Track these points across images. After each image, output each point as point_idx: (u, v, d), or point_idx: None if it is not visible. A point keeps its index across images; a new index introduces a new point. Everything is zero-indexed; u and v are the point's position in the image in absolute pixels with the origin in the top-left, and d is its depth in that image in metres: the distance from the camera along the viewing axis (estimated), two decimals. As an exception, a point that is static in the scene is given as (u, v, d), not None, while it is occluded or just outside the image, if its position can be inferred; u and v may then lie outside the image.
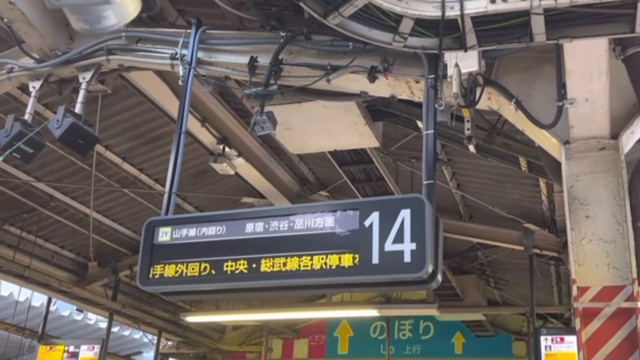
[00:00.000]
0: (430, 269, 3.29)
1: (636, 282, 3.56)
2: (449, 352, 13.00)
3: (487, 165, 6.97)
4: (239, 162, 7.01)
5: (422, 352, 13.15)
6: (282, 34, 4.45)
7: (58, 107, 4.74)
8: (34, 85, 5.03)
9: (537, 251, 8.35)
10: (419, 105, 4.61)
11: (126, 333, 14.48)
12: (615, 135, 3.85)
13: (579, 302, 3.60)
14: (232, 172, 7.07)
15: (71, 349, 10.12)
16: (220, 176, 7.70)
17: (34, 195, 8.20)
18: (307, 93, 4.65)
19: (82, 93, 4.90)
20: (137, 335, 14.50)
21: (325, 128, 5.40)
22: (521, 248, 8.35)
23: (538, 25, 3.22)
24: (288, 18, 4.54)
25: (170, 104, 6.05)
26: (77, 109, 4.81)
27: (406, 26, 3.51)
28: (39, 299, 11.36)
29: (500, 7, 3.17)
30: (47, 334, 10.74)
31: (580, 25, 3.23)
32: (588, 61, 3.45)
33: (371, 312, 11.23)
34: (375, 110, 5.42)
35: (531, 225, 8.05)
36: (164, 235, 3.90)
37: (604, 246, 3.65)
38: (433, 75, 3.89)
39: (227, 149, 6.81)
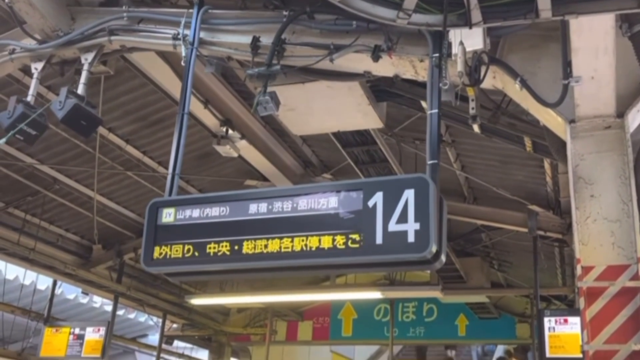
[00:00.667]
0: (434, 249, 3.29)
1: (641, 261, 3.54)
2: (452, 334, 13.04)
3: (491, 147, 6.94)
4: (242, 144, 6.99)
5: (426, 334, 13.20)
6: (284, 13, 4.41)
7: (60, 89, 4.73)
8: (36, 67, 5.01)
9: (541, 233, 8.34)
10: (423, 85, 4.58)
11: (131, 316, 14.57)
12: (621, 113, 3.82)
13: (583, 282, 3.60)
14: (236, 155, 7.05)
15: (77, 331, 10.20)
16: (223, 159, 7.69)
17: (38, 178, 8.20)
18: (310, 73, 4.63)
19: (84, 74, 4.88)
20: (142, 318, 14.58)
21: (328, 109, 5.37)
22: (525, 230, 8.33)
23: (544, 1, 3.18)
24: (291, -3, 4.51)
25: (173, 85, 6.02)
26: (80, 90, 4.80)
27: (410, 2, 3.48)
28: (44, 282, 11.41)
29: (505, -18, 3.14)
30: (53, 317, 10.81)
31: (586, 1, 3.19)
32: (594, 38, 3.41)
33: (375, 295, 11.26)
34: (379, 90, 5.39)
35: (535, 206, 8.03)
36: (168, 216, 3.91)
37: (609, 225, 3.64)
38: (437, 54, 3.85)
39: (230, 131, 6.79)
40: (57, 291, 11.29)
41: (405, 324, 13.33)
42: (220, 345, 14.15)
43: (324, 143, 7.67)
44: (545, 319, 8.43)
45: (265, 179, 8.18)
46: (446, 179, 7.89)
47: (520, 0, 3.26)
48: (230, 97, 6.68)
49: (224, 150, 6.88)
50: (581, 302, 3.60)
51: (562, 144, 4.04)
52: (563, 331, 8.33)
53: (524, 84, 3.87)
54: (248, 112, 6.85)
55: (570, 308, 10.55)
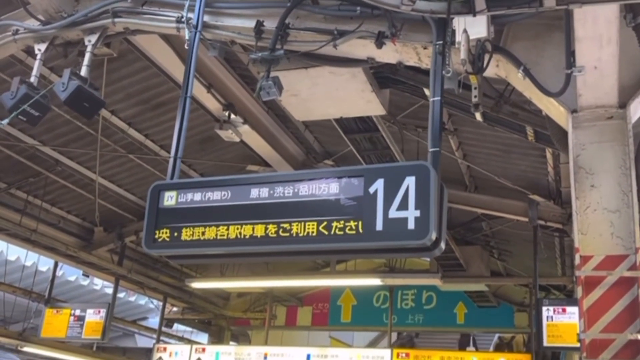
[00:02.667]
0: (433, 236, 3.30)
1: (639, 251, 3.56)
2: (451, 322, 13.11)
3: (493, 136, 6.94)
4: (245, 129, 6.99)
5: (425, 321, 13.27)
6: (289, -3, 4.40)
7: (64, 70, 4.73)
8: (40, 48, 5.02)
9: (542, 223, 8.36)
10: (426, 72, 4.57)
11: (132, 299, 14.67)
12: (623, 104, 3.81)
13: (581, 271, 3.61)
14: (238, 139, 7.06)
15: (77, 312, 10.28)
16: (225, 143, 7.70)
17: (40, 159, 8.23)
18: (313, 58, 4.62)
19: (87, 56, 4.89)
20: (143, 301, 14.69)
21: (331, 95, 5.37)
22: (526, 219, 8.35)
23: (548, -11, 3.18)
24: (296, -18, 4.48)
25: (176, 69, 6.02)
26: (83, 72, 4.81)
27: (415, -11, 3.47)
28: (45, 263, 11.49)
29: (510, -30, 3.13)
30: (54, 298, 10.89)
31: (591, -10, 3.18)
32: (598, 28, 3.39)
33: (374, 281, 11.31)
34: (382, 77, 5.38)
35: (536, 196, 8.04)
36: (170, 199, 3.93)
37: (609, 215, 3.65)
38: (441, 41, 3.85)
39: (232, 116, 6.78)
40: (58, 273, 11.37)
41: (404, 311, 13.40)
42: (220, 329, 14.25)
43: (326, 129, 7.67)
44: (544, 308, 8.48)
45: (267, 165, 8.19)
46: (448, 167, 7.90)
47: (525, -12, 3.25)
48: (233, 81, 6.68)
49: (226, 134, 6.88)
50: (579, 291, 3.62)
51: (564, 134, 4.04)
52: (561, 320, 8.39)
53: (527, 73, 3.87)
54: (251, 96, 6.86)
55: (568, 298, 10.59)
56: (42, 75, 5.41)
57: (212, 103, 6.63)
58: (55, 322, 10.35)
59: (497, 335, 14.96)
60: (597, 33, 3.43)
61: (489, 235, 10.59)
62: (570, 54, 3.60)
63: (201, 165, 8.97)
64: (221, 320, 14.05)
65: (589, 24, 3.38)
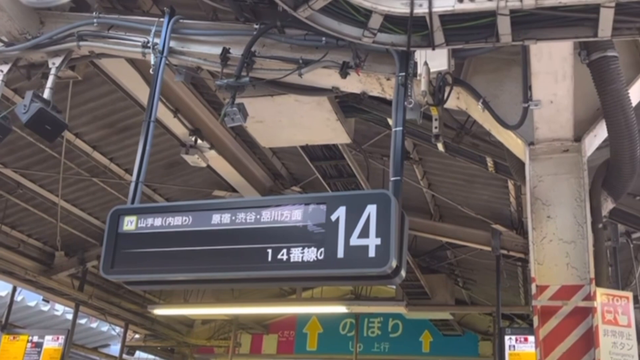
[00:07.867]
0: (394, 264, 3.33)
1: (593, 282, 3.64)
2: (416, 350, 13.12)
3: (457, 166, 7.04)
4: (211, 154, 6.98)
5: (390, 349, 13.25)
6: (255, 26, 4.45)
7: (26, 92, 4.68)
8: (2, 69, 4.96)
9: (505, 252, 8.46)
10: (390, 103, 4.64)
11: (94, 325, 14.34)
12: (578, 138, 3.94)
13: (537, 300, 3.68)
14: (204, 165, 7.04)
15: (35, 339, 10.00)
16: (192, 168, 7.66)
17: (1, 182, 8.07)
18: (279, 86, 4.67)
19: (51, 78, 4.85)
20: (105, 327, 14.37)
21: (297, 122, 5.41)
22: (489, 248, 8.45)
23: (504, 25, 3.28)
24: (262, 11, 4.55)
25: (143, 93, 5.99)
26: (46, 94, 4.76)
27: (375, 22, 3.54)
28: (4, 288, 11.19)
29: (467, 6, 3.23)
30: (12, 324, 10.59)
31: (545, 28, 3.29)
32: (553, 64, 3.52)
33: (340, 309, 11.28)
34: (347, 106, 5.45)
35: (499, 226, 8.15)
36: (129, 224, 3.89)
37: (564, 246, 3.74)
38: (403, 73, 3.93)
39: (199, 141, 6.77)
40: (18, 298, 11.08)
41: (370, 339, 13.37)
42: (183, 357, 14.03)
43: (293, 156, 7.70)
44: (506, 337, 8.55)
45: (234, 190, 8.16)
46: (413, 196, 7.98)
47: (482, 24, 3.34)
48: (200, 106, 6.68)
49: (192, 159, 6.85)
50: (535, 321, 3.68)
51: (522, 165, 4.14)
52: (523, 349, 8.45)
53: (486, 105, 3.97)
54: (218, 122, 6.85)
55: (531, 327, 10.68)
56: (5, 97, 5.35)
57: (178, 128, 6.61)
58: (11, 349, 10.04)
59: None
60: (552, 68, 3.55)
61: (453, 263, 10.66)
62: (528, 88, 3.71)
63: (167, 190, 8.89)
64: (184, 348, 13.83)
65: (544, 59, 3.50)
